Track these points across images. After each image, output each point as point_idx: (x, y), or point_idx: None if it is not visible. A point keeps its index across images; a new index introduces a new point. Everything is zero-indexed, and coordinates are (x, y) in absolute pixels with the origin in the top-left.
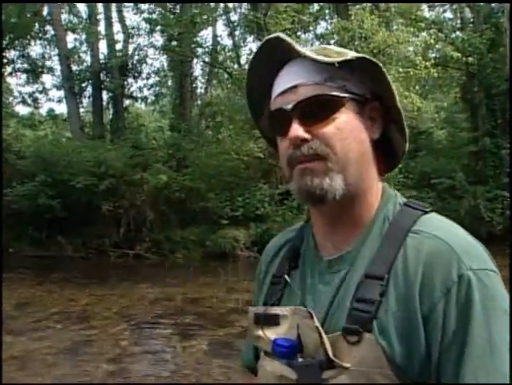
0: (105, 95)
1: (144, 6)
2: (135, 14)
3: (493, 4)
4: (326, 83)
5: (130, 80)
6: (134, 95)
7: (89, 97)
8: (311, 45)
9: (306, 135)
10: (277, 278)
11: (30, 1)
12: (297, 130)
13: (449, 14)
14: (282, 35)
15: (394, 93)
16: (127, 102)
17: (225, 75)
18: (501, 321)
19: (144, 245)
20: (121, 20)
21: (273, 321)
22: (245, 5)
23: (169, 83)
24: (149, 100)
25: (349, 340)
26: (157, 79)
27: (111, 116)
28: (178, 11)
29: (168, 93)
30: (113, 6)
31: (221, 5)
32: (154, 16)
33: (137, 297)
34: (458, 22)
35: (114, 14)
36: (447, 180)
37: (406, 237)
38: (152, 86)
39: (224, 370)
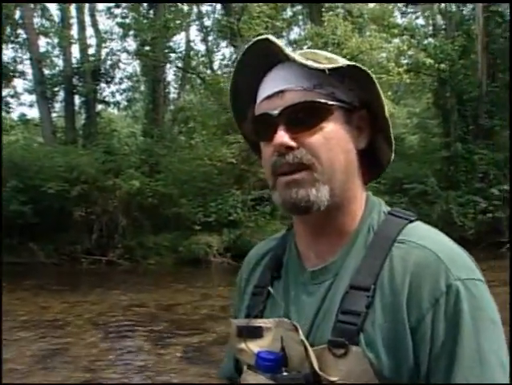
0: (77, 100)
1: (117, 10)
2: (108, 18)
3: (464, 11)
4: (314, 89)
5: (102, 85)
6: (106, 99)
7: (61, 102)
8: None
9: (292, 143)
10: (259, 289)
11: (30, 1)
12: (282, 137)
13: (421, 21)
14: (272, 37)
15: (383, 102)
16: (99, 107)
17: (198, 81)
18: (489, 331)
19: (116, 251)
20: (94, 24)
21: (256, 333)
22: (218, 10)
23: (142, 88)
24: (122, 105)
25: (335, 353)
26: (130, 83)
27: (83, 121)
28: (152, 16)
29: (140, 98)
30: (86, 10)
31: (195, 10)
32: (127, 21)
33: (110, 304)
34: (430, 28)
35: (87, 18)
36: (419, 185)
37: (392, 247)
38: (124, 91)
39: (199, 377)
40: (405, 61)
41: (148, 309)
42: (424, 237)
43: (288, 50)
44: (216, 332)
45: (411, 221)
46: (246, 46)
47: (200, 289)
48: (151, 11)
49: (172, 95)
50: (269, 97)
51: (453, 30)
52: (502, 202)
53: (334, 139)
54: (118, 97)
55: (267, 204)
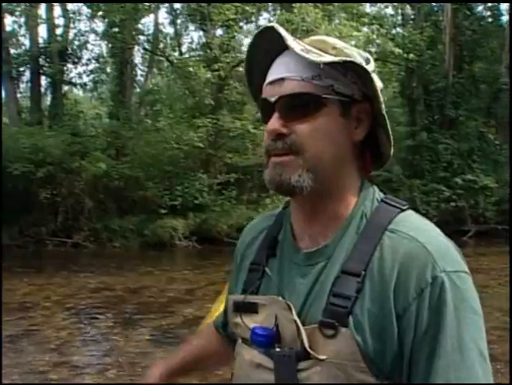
0: (43, 81)
1: None
2: None
3: (433, 3)
4: (313, 80)
5: (69, 66)
6: (73, 81)
7: (27, 82)
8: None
9: (284, 130)
10: (255, 266)
11: (30, 1)
12: (275, 123)
13: (390, 10)
14: (277, 26)
15: (380, 99)
16: (65, 88)
17: (166, 64)
18: (470, 321)
19: (82, 233)
20: (62, 4)
21: (251, 309)
22: None
23: (108, 69)
24: (88, 87)
25: (325, 333)
26: (97, 65)
27: (49, 102)
28: None
29: (107, 80)
30: None
31: None
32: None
33: (77, 286)
34: (399, 18)
35: None
36: (384, 172)
37: (383, 236)
38: (91, 72)
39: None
40: (372, 49)
41: (116, 292)
42: (415, 229)
43: (290, 40)
44: (183, 314)
45: (402, 210)
46: (256, 32)
47: (166, 272)
48: None
49: (139, 78)
50: (272, 82)
51: (422, 20)
52: (465, 191)
53: (323, 130)
54: (85, 78)
55: (233, 189)
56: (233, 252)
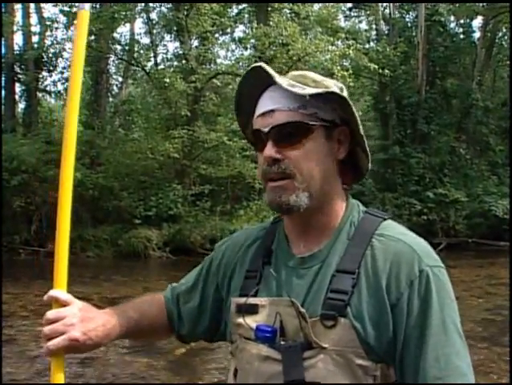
0: (18, 88)
1: None
2: (54, 5)
3: (407, 19)
4: (299, 110)
5: (44, 73)
6: (48, 89)
7: (1, 89)
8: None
9: (278, 156)
10: (251, 273)
11: (30, 1)
12: (270, 150)
13: (364, 25)
14: (264, 65)
15: (358, 121)
16: (39, 95)
17: (140, 74)
18: (449, 306)
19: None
20: (38, 11)
21: (252, 310)
22: (165, 3)
23: (82, 78)
24: (64, 95)
25: (326, 324)
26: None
27: (23, 110)
28: (98, 6)
29: (81, 88)
30: None
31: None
32: (74, 9)
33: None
34: (373, 33)
35: (32, 5)
36: (356, 186)
37: (372, 239)
38: (66, 80)
39: (147, 368)
40: (346, 63)
41: (92, 301)
42: (399, 233)
43: (278, 77)
44: None
45: (384, 219)
46: (247, 70)
47: (141, 282)
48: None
49: (114, 88)
50: (263, 114)
51: (396, 36)
52: (436, 205)
53: (313, 154)
54: (60, 86)
55: (207, 200)
56: None
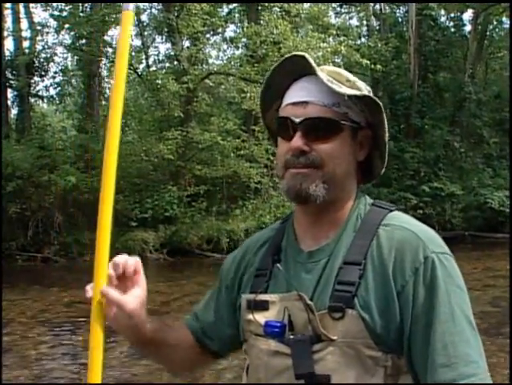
0: (10, 94)
1: (53, 3)
2: (44, 10)
3: (398, 14)
4: (333, 107)
5: (36, 78)
6: (40, 94)
7: None
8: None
9: (306, 148)
10: (261, 271)
11: (30, 1)
12: (298, 141)
13: (354, 22)
14: (307, 56)
15: (386, 129)
16: (31, 100)
17: (132, 76)
18: (457, 294)
19: (52, 248)
20: (29, 16)
21: (262, 306)
22: (155, 5)
23: (74, 82)
24: (57, 100)
25: (334, 316)
26: (65, 78)
27: (16, 115)
28: (88, 10)
29: (74, 92)
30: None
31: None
32: (64, 14)
33: (51, 301)
34: (364, 29)
35: (22, 10)
36: None
37: (378, 230)
38: (58, 85)
39: (147, 370)
40: (338, 60)
41: (90, 305)
42: (405, 222)
43: (319, 71)
44: None
45: (391, 210)
46: (286, 56)
47: None
48: (87, 5)
49: (107, 91)
50: (294, 103)
51: (387, 31)
52: (432, 199)
53: (339, 151)
54: (52, 91)
55: (203, 201)
56: (204, 263)
